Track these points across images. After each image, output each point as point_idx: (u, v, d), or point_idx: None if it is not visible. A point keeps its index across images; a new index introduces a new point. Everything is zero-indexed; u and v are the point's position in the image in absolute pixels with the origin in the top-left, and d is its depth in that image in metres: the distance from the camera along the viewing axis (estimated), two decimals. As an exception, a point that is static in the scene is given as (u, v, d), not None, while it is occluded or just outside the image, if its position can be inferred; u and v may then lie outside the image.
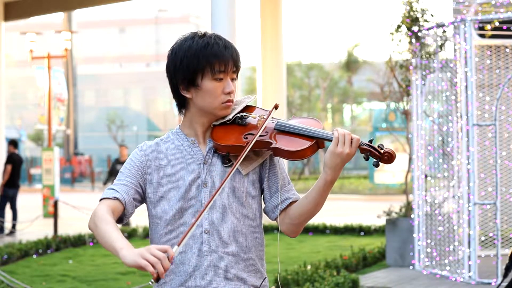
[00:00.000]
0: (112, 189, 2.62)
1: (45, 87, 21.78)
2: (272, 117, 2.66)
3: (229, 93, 2.64)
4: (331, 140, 2.53)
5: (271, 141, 2.59)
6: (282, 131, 2.61)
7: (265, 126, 2.61)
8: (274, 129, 2.62)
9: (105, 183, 18.81)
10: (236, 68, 2.66)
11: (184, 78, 2.63)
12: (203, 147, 2.68)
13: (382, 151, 2.53)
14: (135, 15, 76.07)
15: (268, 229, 12.75)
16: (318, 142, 2.58)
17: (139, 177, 2.65)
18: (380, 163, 2.53)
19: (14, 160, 16.69)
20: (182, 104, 2.69)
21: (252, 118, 2.68)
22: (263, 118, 2.66)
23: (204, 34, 2.66)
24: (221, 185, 2.51)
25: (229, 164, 2.64)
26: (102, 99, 73.89)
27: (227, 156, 2.64)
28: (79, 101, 61.08)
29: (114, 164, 17.12)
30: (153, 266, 2.28)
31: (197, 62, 2.60)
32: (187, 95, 2.65)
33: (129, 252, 2.36)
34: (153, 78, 71.25)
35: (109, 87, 73.98)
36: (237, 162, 2.55)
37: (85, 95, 70.94)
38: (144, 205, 2.74)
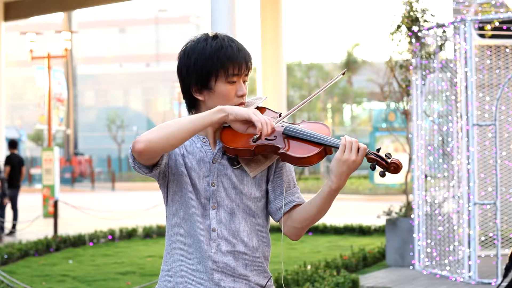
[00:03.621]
0: None
1: (45, 87, 21.77)
2: (283, 121, 2.65)
3: (242, 96, 2.66)
4: (338, 148, 2.52)
5: (278, 145, 2.57)
6: (291, 136, 2.60)
7: (274, 130, 2.59)
8: (283, 133, 2.60)
9: None
10: (248, 70, 2.68)
11: (197, 80, 2.62)
12: (213, 147, 2.68)
13: (389, 161, 2.50)
14: (135, 15, 76.10)
15: (270, 229, 12.71)
16: (326, 149, 2.57)
17: None
18: (386, 173, 2.50)
19: (12, 161, 16.68)
20: (193, 105, 2.69)
21: None
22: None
23: (217, 36, 2.64)
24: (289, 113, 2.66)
25: (238, 166, 2.64)
26: (102, 99, 73.92)
27: (235, 159, 2.64)
28: (79, 101, 61.06)
29: None
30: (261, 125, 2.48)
31: (211, 65, 2.59)
32: (200, 98, 2.65)
33: (235, 106, 2.54)
34: (153, 78, 71.29)
35: (109, 87, 74.01)
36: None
37: (85, 95, 70.98)
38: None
